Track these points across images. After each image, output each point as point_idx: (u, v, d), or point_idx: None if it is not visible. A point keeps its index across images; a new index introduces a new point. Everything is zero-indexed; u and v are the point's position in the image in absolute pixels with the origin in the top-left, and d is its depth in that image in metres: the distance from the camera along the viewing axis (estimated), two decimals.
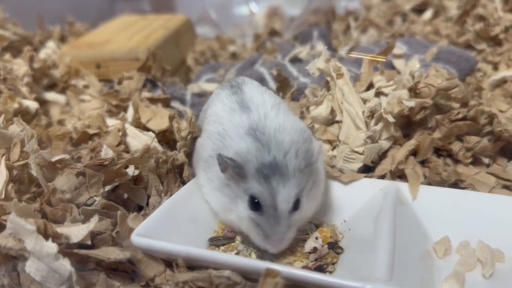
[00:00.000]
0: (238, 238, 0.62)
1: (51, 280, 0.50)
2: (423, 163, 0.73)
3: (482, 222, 0.62)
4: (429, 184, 0.69)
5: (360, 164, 0.72)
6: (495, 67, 1.03)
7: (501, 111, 0.75)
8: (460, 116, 0.74)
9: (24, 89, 0.93)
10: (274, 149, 0.56)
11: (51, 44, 1.24)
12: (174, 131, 0.79)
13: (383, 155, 0.74)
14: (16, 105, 0.85)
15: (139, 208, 0.67)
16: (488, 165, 0.74)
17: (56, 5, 1.69)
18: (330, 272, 0.56)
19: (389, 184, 0.66)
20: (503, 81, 0.91)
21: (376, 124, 0.72)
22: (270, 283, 0.43)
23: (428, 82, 0.75)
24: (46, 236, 0.51)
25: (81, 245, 0.54)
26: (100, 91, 1.00)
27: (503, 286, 0.55)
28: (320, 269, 0.56)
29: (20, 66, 1.00)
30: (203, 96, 1.04)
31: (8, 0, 1.38)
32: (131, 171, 0.66)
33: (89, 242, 0.54)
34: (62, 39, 1.38)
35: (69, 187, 0.61)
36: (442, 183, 0.69)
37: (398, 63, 0.99)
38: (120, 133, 0.74)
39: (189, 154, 0.73)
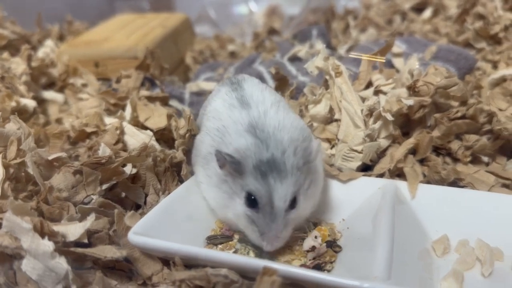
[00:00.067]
0: (236, 236, 0.62)
1: (48, 279, 0.50)
2: (422, 161, 0.73)
3: (481, 220, 0.62)
4: (428, 182, 0.69)
5: (358, 163, 0.72)
6: (495, 65, 1.03)
7: (500, 110, 0.75)
8: (459, 114, 0.73)
9: (22, 88, 0.93)
10: (273, 146, 0.56)
11: (49, 43, 1.24)
12: (172, 129, 0.79)
13: (382, 153, 0.74)
14: (13, 104, 0.85)
15: (137, 207, 0.67)
16: (487, 164, 0.74)
17: (55, 4, 1.69)
18: (328, 271, 0.56)
19: (388, 183, 0.66)
20: (503, 79, 0.91)
21: (374, 122, 0.72)
22: (267, 281, 0.43)
23: (427, 80, 0.75)
24: (42, 234, 0.51)
25: (78, 243, 0.53)
26: (99, 89, 1.00)
27: (502, 284, 0.55)
28: (318, 267, 0.56)
29: (18, 65, 1.00)
30: (201, 95, 1.04)
31: None
32: (129, 169, 0.66)
33: (86, 241, 0.53)
34: (61, 38, 1.37)
35: (66, 186, 0.61)
36: (441, 181, 0.69)
37: (397, 62, 0.99)
38: (118, 132, 0.74)
39: (187, 152, 0.73)
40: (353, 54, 1.02)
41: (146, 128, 0.80)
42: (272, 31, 1.51)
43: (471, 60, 0.99)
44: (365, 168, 0.73)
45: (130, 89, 0.94)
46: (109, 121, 0.82)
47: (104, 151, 0.66)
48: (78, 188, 0.61)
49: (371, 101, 0.74)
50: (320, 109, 0.78)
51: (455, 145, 0.73)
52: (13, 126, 0.66)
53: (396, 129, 0.74)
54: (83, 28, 1.47)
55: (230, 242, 0.61)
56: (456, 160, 0.74)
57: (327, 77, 0.79)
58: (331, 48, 1.27)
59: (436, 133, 0.73)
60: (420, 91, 0.75)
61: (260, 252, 0.57)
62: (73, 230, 0.53)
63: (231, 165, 0.56)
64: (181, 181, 0.70)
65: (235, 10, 1.93)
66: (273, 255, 0.57)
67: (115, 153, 0.68)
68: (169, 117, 0.79)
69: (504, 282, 0.55)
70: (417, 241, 0.61)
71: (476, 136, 0.73)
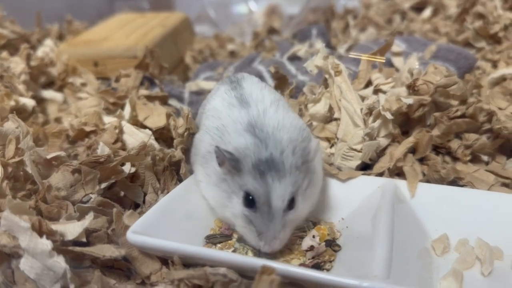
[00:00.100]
0: (235, 235, 0.62)
1: (46, 278, 0.50)
2: (421, 160, 0.73)
3: (481, 220, 0.61)
4: (428, 181, 0.69)
5: (358, 162, 0.71)
6: (494, 65, 1.02)
7: (500, 109, 0.75)
8: (459, 113, 0.73)
9: (21, 87, 0.93)
10: (272, 146, 0.56)
11: (48, 42, 1.23)
12: (171, 128, 0.79)
13: (381, 152, 0.73)
14: (12, 103, 0.85)
15: (136, 206, 0.67)
16: (487, 163, 0.73)
17: (55, 4, 1.69)
18: (327, 270, 0.56)
19: (387, 182, 0.66)
20: (502, 78, 0.90)
21: (374, 121, 0.72)
22: (266, 280, 0.43)
23: (427, 79, 0.75)
24: (40, 233, 0.51)
25: (76, 242, 0.53)
26: (98, 89, 0.99)
27: (502, 284, 0.55)
28: (317, 266, 0.56)
29: (17, 64, 1.00)
30: (201, 94, 1.04)
31: None
32: (128, 168, 0.66)
33: (84, 240, 0.53)
34: (61, 38, 1.37)
35: (65, 184, 0.61)
36: (440, 180, 0.68)
37: (397, 61, 0.98)
38: (117, 131, 0.74)
39: (186, 151, 0.73)
40: (352, 54, 1.02)
41: (145, 127, 0.79)
42: (271, 31, 1.51)
43: (471, 60, 0.99)
44: (365, 167, 0.73)
45: (129, 88, 0.94)
46: (108, 120, 0.81)
47: (103, 150, 0.66)
48: (77, 187, 0.61)
49: (370, 100, 0.74)
50: (319, 108, 0.78)
51: (454, 144, 0.73)
52: (11, 125, 0.66)
53: (396, 128, 0.74)
54: (83, 27, 1.46)
55: (229, 241, 0.61)
56: (455, 159, 0.74)
57: (327, 76, 0.79)
58: (331, 47, 1.26)
59: (435, 132, 0.73)
60: (420, 90, 0.75)
61: (258, 251, 0.57)
62: (71, 229, 0.53)
63: (230, 162, 0.56)
64: (180, 180, 0.70)
65: (234, 9, 1.93)
66: (272, 254, 0.57)
67: (114, 152, 0.68)
68: (168, 116, 0.79)
69: (504, 281, 0.55)
70: (417, 240, 0.61)
71: (476, 135, 0.73)
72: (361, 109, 0.73)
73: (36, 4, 1.53)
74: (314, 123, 0.78)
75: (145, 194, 0.67)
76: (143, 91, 0.94)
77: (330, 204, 0.67)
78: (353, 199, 0.66)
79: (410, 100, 0.72)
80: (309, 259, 0.57)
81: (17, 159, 0.62)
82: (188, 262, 0.52)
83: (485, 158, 0.74)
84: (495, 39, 1.10)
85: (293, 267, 0.48)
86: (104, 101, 0.91)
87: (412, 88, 0.76)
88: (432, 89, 0.74)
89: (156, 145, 0.75)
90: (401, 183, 0.66)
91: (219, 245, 0.60)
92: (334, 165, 0.73)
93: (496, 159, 0.73)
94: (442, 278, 0.55)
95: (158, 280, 0.53)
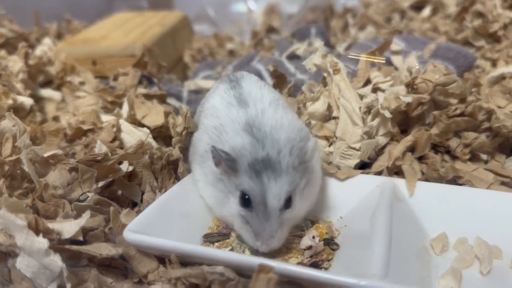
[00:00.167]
0: (233, 234, 0.61)
1: (42, 276, 0.49)
2: (420, 159, 0.73)
3: (480, 218, 0.61)
4: (427, 180, 0.69)
5: (357, 161, 0.71)
6: (494, 63, 1.02)
7: (499, 107, 0.75)
8: (458, 112, 0.73)
9: (19, 86, 0.93)
10: (269, 145, 0.56)
11: (47, 41, 1.23)
12: (170, 127, 0.78)
13: (380, 151, 0.73)
14: (10, 101, 0.85)
15: (133, 205, 0.67)
16: (486, 162, 0.73)
17: (53, 3, 1.69)
18: (325, 269, 0.55)
19: (386, 181, 0.66)
20: (502, 77, 0.90)
21: (372, 120, 0.71)
22: (263, 279, 0.43)
23: (426, 77, 0.74)
24: (37, 231, 0.50)
25: (73, 241, 0.53)
26: (96, 87, 0.99)
27: (501, 283, 0.55)
28: (315, 265, 0.55)
29: (15, 63, 0.99)
30: (199, 93, 1.03)
31: None
32: (125, 167, 0.65)
33: (81, 238, 0.53)
34: (59, 37, 1.37)
35: (62, 183, 0.60)
36: (439, 179, 0.68)
37: (396, 60, 0.98)
38: (115, 129, 0.73)
39: (184, 150, 0.72)
40: (352, 55, 1.01)
41: (143, 125, 0.79)
42: (270, 30, 1.51)
43: (470, 58, 0.99)
44: (363, 166, 0.72)
45: (127, 87, 0.94)
46: (106, 118, 0.81)
47: (100, 148, 0.65)
48: (74, 185, 0.61)
49: (369, 98, 0.73)
50: (318, 107, 0.78)
51: (453, 143, 0.73)
52: (8, 123, 0.66)
53: (394, 127, 0.73)
54: (82, 26, 1.46)
55: (227, 240, 0.61)
56: (454, 157, 0.73)
57: (325, 74, 0.78)
58: (330, 46, 1.26)
59: (434, 130, 0.73)
60: (419, 88, 0.75)
61: (256, 252, 0.57)
62: (68, 228, 0.53)
63: (226, 162, 0.55)
64: (178, 178, 0.70)
65: (233, 8, 1.93)
66: (269, 253, 0.57)
67: (112, 151, 0.67)
68: (167, 114, 0.79)
69: (503, 280, 0.55)
70: (416, 239, 0.61)
71: (475, 134, 0.72)
72: (360, 108, 0.73)
73: (34, 3, 1.53)
74: (313, 122, 0.78)
75: (142, 193, 0.66)
76: (141, 90, 0.94)
77: (329, 203, 0.67)
78: (352, 198, 0.65)
79: (409, 99, 0.72)
80: (307, 257, 0.57)
81: (14, 157, 0.61)
82: (186, 261, 0.52)
83: (484, 156, 0.73)
84: (494, 38, 1.10)
85: (290, 266, 0.48)
86: (102, 100, 0.91)
87: (411, 87, 0.76)
88: (431, 88, 0.74)
89: (154, 143, 0.74)
90: (399, 182, 0.66)
91: (216, 244, 0.60)
92: (332, 164, 0.73)
93: (495, 158, 0.73)
94: (440, 277, 0.54)
95: (155, 279, 0.53)
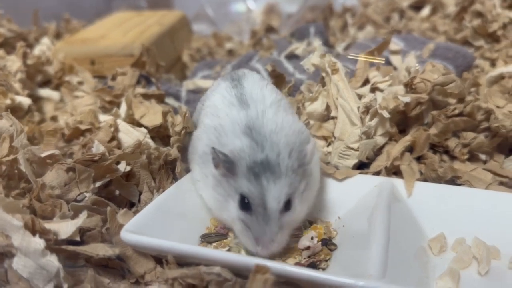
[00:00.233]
0: (231, 234, 0.61)
1: (39, 277, 0.49)
2: (419, 159, 0.73)
3: (478, 219, 0.61)
4: (425, 180, 0.68)
5: (355, 161, 0.71)
6: (493, 63, 1.02)
7: (498, 107, 0.74)
8: (456, 112, 0.73)
9: (17, 85, 0.92)
10: (268, 148, 0.55)
11: (45, 41, 1.23)
12: (168, 126, 0.78)
13: (378, 151, 0.73)
14: (8, 101, 0.84)
15: (131, 205, 0.66)
16: (484, 162, 0.73)
17: (52, 3, 1.69)
18: (323, 269, 0.55)
19: (384, 181, 0.66)
20: (501, 77, 0.90)
21: (371, 119, 0.71)
22: (260, 279, 0.42)
23: (424, 77, 0.74)
24: (33, 232, 0.50)
25: (70, 241, 0.53)
26: (94, 87, 0.99)
27: (499, 283, 0.54)
28: (313, 265, 0.55)
29: (13, 62, 0.99)
30: (198, 93, 1.03)
31: None
32: (123, 167, 0.65)
33: (78, 239, 0.53)
34: (58, 36, 1.37)
35: (59, 183, 0.60)
36: (438, 179, 0.68)
37: (395, 59, 0.98)
38: (112, 129, 0.73)
39: (183, 150, 0.72)
40: (351, 55, 1.01)
41: (141, 125, 0.79)
42: (270, 29, 1.51)
43: (469, 58, 0.98)
44: (362, 166, 0.72)
45: (125, 87, 0.94)
46: (104, 118, 0.81)
47: (97, 148, 0.65)
48: (71, 185, 0.61)
49: (367, 98, 0.73)
50: (316, 107, 0.78)
51: (452, 143, 0.73)
52: (5, 123, 0.65)
53: (393, 127, 0.73)
54: (81, 26, 1.46)
55: (224, 241, 0.60)
56: (453, 157, 0.73)
57: (324, 74, 0.78)
58: (329, 45, 1.26)
59: (433, 130, 0.73)
60: (417, 88, 0.75)
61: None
62: (65, 228, 0.53)
63: (224, 164, 0.55)
64: (175, 178, 0.70)
65: (233, 8, 1.93)
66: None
67: (109, 151, 0.67)
68: (165, 114, 0.78)
69: (501, 280, 0.55)
70: (414, 239, 0.61)
71: (474, 134, 0.72)
72: (358, 108, 0.73)
73: (33, 2, 1.53)
74: (311, 122, 0.78)
75: (140, 193, 0.66)
76: (140, 90, 0.94)
77: (327, 203, 0.67)
78: (350, 198, 0.65)
79: (407, 99, 0.72)
80: (304, 258, 0.57)
81: (11, 157, 0.61)
82: (183, 261, 0.52)
83: (483, 156, 0.73)
84: (493, 38, 1.10)
85: (288, 266, 0.48)
86: (100, 100, 0.91)
87: (409, 86, 0.76)
88: (429, 87, 0.73)
89: (152, 143, 0.74)
90: (398, 182, 0.66)
91: (214, 244, 0.60)
92: (331, 164, 0.73)
93: (494, 158, 0.73)
94: (438, 277, 0.54)
95: (152, 279, 0.53)
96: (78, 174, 0.61)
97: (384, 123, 0.72)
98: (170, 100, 0.99)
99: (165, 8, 1.83)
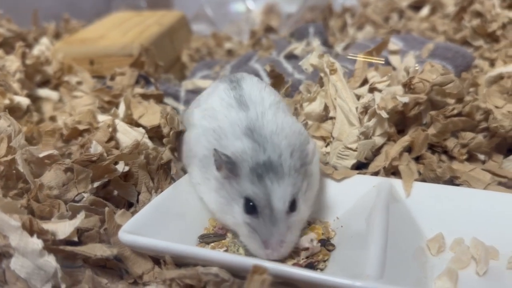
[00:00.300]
0: (229, 235, 0.61)
1: (36, 277, 0.49)
2: (417, 159, 0.72)
3: (477, 219, 0.61)
4: (424, 180, 0.68)
5: (353, 161, 0.71)
6: (492, 63, 1.02)
7: (497, 107, 0.74)
8: (455, 112, 0.73)
9: (16, 85, 0.92)
10: (270, 149, 0.55)
11: (44, 41, 1.23)
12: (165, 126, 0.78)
13: (376, 151, 0.73)
14: (7, 101, 0.84)
15: (130, 205, 0.66)
16: (483, 162, 0.73)
17: (52, 3, 1.69)
18: (321, 270, 0.55)
19: (383, 181, 0.66)
20: (500, 77, 0.90)
21: (369, 120, 0.71)
22: (258, 280, 0.42)
23: (423, 77, 0.74)
24: (31, 232, 0.50)
25: (68, 241, 0.53)
26: (93, 87, 0.99)
27: (497, 283, 0.54)
28: (311, 266, 0.55)
29: (12, 62, 0.99)
30: (197, 93, 1.03)
31: None
32: (121, 167, 0.65)
33: (76, 239, 0.53)
34: (57, 36, 1.37)
35: (57, 183, 0.60)
36: (436, 179, 0.68)
37: (394, 59, 0.98)
38: (110, 129, 0.73)
39: (174, 151, 0.72)
40: (351, 55, 1.01)
41: (140, 125, 0.79)
42: (269, 29, 1.51)
43: (469, 58, 0.98)
44: (360, 166, 0.72)
45: (124, 87, 0.94)
46: (103, 118, 0.81)
47: (95, 148, 0.65)
48: (69, 185, 0.61)
49: (366, 98, 0.73)
50: (315, 107, 0.77)
51: (451, 143, 0.72)
52: (3, 123, 0.65)
53: (391, 127, 0.73)
54: (80, 26, 1.46)
55: (222, 241, 0.60)
56: (452, 158, 0.73)
57: (322, 74, 0.78)
58: (328, 46, 1.26)
59: (431, 130, 0.72)
60: (416, 88, 0.75)
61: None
62: (63, 228, 0.53)
63: (227, 165, 0.55)
64: (174, 179, 0.70)
65: (232, 8, 1.93)
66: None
67: (107, 151, 0.67)
68: (162, 114, 0.78)
69: (499, 281, 0.55)
70: (412, 240, 0.61)
71: (472, 134, 0.72)
72: (357, 108, 0.73)
73: (33, 2, 1.53)
74: (310, 122, 0.78)
75: (138, 193, 0.66)
76: (138, 90, 0.94)
77: (325, 203, 0.67)
78: (348, 198, 0.65)
79: (405, 99, 0.72)
80: (303, 258, 0.57)
81: (9, 157, 0.61)
82: (181, 262, 0.52)
83: (481, 157, 0.73)
84: (492, 38, 1.10)
85: (285, 267, 0.48)
86: (99, 100, 0.91)
87: (408, 87, 0.76)
88: (428, 88, 0.73)
89: (150, 143, 0.74)
90: (396, 182, 0.66)
91: (212, 245, 0.59)
92: (329, 164, 0.73)
93: (493, 158, 0.73)
94: (437, 277, 0.54)
95: (150, 279, 0.53)
96: (76, 174, 0.61)
97: (383, 123, 0.72)
98: (169, 100, 0.99)
99: (165, 8, 1.83)
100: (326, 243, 0.59)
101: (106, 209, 0.56)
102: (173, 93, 1.01)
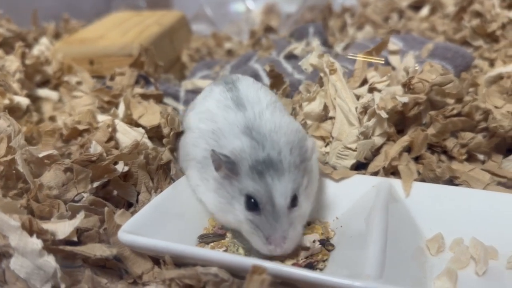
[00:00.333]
0: (229, 235, 0.61)
1: (36, 277, 0.49)
2: (417, 159, 0.72)
3: (476, 219, 0.61)
4: (423, 180, 0.68)
5: (353, 161, 0.71)
6: (492, 63, 1.02)
7: (496, 107, 0.74)
8: (454, 112, 0.73)
9: (15, 85, 0.92)
10: (269, 147, 0.56)
11: (44, 41, 1.23)
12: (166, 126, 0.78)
13: (376, 151, 0.73)
14: (6, 101, 0.84)
15: (129, 205, 0.66)
16: (483, 162, 0.73)
17: (52, 3, 1.69)
18: (321, 270, 0.55)
19: (382, 181, 0.66)
20: (499, 77, 0.90)
21: (369, 120, 0.71)
22: (257, 280, 0.42)
23: (422, 77, 0.74)
24: (31, 232, 0.50)
25: (68, 241, 0.53)
26: (93, 87, 0.99)
27: (496, 283, 0.54)
28: (310, 266, 0.55)
29: (12, 62, 0.99)
30: (197, 93, 1.03)
31: None
32: (120, 167, 0.65)
33: (75, 239, 0.53)
34: (57, 36, 1.37)
35: (57, 183, 0.60)
36: (436, 179, 0.68)
37: (394, 59, 0.98)
38: (110, 129, 0.73)
39: (174, 151, 0.72)
40: (351, 55, 1.01)
41: (140, 125, 0.79)
42: (269, 29, 1.51)
43: (468, 58, 0.98)
44: (359, 166, 0.72)
45: (124, 87, 0.94)
46: (103, 118, 0.81)
47: (95, 148, 0.65)
48: (69, 185, 0.61)
49: (365, 98, 0.73)
50: (314, 107, 0.77)
51: (450, 143, 0.72)
52: (3, 123, 0.66)
53: (391, 127, 0.73)
54: (80, 26, 1.46)
55: (222, 241, 0.60)
56: (451, 158, 0.73)
57: (322, 74, 0.78)
58: (328, 45, 1.26)
59: (431, 130, 0.72)
60: (415, 88, 0.75)
61: (250, 249, 0.57)
62: (62, 228, 0.53)
63: (226, 165, 0.55)
64: (173, 179, 0.70)
65: (232, 8, 1.93)
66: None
67: (107, 151, 0.67)
68: (163, 114, 0.78)
69: (498, 281, 0.55)
70: (411, 240, 0.61)
71: (472, 134, 0.72)
72: (356, 108, 0.73)
73: (32, 2, 1.53)
74: (309, 122, 0.78)
75: (138, 193, 0.66)
76: (138, 90, 0.94)
77: (325, 203, 0.67)
78: (348, 198, 0.65)
79: (405, 99, 0.72)
80: (302, 258, 0.57)
81: (8, 157, 0.61)
82: (181, 262, 0.52)
83: (481, 157, 0.73)
84: (492, 38, 1.10)
85: (284, 267, 0.48)
86: (98, 100, 0.90)
87: (407, 87, 0.76)
88: (427, 88, 0.73)
89: (150, 143, 0.74)
90: (396, 182, 0.66)
91: (211, 244, 0.60)
92: (329, 164, 0.73)
93: (492, 158, 0.73)
94: (436, 277, 0.54)
95: (150, 279, 0.53)
96: (75, 174, 0.61)
97: (382, 123, 0.72)
98: (168, 100, 0.99)
99: (164, 8, 1.83)
100: (325, 243, 0.59)
101: (106, 209, 0.56)
102: (173, 93, 1.01)
